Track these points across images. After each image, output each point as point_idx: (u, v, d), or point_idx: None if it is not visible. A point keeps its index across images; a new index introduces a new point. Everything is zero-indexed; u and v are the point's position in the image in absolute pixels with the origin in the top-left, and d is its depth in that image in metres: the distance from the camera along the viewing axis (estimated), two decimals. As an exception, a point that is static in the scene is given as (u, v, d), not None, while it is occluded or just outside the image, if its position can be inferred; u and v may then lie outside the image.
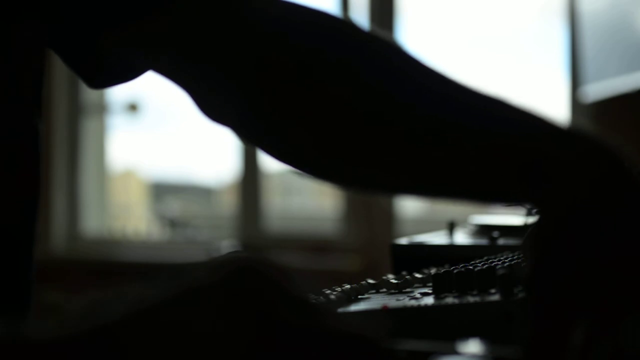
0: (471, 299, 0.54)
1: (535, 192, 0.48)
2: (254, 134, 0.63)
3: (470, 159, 0.52)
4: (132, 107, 2.91)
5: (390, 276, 0.66)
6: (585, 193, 0.47)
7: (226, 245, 2.59)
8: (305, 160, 0.60)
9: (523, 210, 0.59)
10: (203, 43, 0.60)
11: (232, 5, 0.61)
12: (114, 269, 2.68)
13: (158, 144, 3.20)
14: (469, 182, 0.53)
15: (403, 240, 0.82)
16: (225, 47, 0.60)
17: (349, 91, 0.57)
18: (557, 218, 0.47)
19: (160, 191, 3.32)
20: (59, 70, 2.74)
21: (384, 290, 0.64)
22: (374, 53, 0.58)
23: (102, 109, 2.94)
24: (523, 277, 0.47)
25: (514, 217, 0.87)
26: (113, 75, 0.65)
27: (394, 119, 0.55)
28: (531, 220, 0.48)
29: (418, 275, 0.65)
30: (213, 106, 0.62)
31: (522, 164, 0.49)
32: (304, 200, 3.18)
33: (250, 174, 2.69)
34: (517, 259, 0.60)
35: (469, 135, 0.52)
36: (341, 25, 0.60)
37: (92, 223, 2.92)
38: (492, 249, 0.75)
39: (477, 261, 0.62)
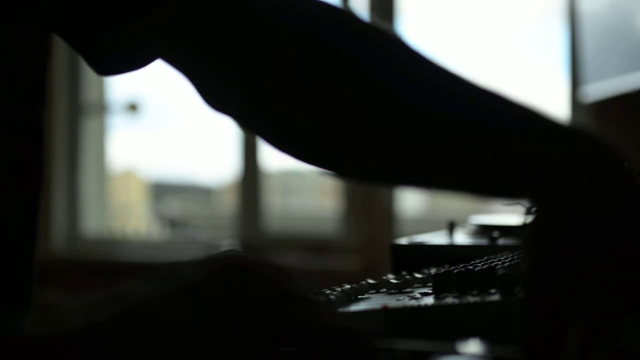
0: (471, 299, 0.54)
1: (535, 190, 0.48)
2: (255, 124, 0.63)
3: (471, 155, 0.52)
4: (132, 107, 2.91)
5: (390, 276, 0.66)
6: (585, 192, 0.47)
7: (226, 245, 2.59)
8: (306, 151, 0.60)
9: (523, 209, 0.59)
10: (206, 33, 0.60)
11: None
12: (114, 269, 2.68)
13: (158, 144, 3.20)
14: (469, 177, 0.53)
15: (403, 240, 0.82)
16: (227, 38, 0.60)
17: (350, 84, 0.57)
18: (557, 217, 0.46)
19: (160, 191, 3.32)
20: (59, 71, 2.74)
21: (384, 290, 0.64)
22: (375, 45, 0.58)
23: (102, 109, 2.94)
24: (522, 277, 0.47)
25: (514, 217, 0.87)
26: (120, 62, 0.65)
27: (394, 113, 0.55)
28: (530, 219, 0.48)
29: (418, 275, 0.65)
30: (215, 96, 0.62)
31: (522, 162, 0.49)
32: (304, 200, 3.18)
33: (250, 174, 2.69)
34: (517, 259, 0.60)
35: (470, 131, 0.52)
36: (342, 17, 0.60)
37: (92, 223, 2.92)
38: (492, 249, 0.75)
39: (477, 261, 0.62)
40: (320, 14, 0.60)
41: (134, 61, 0.64)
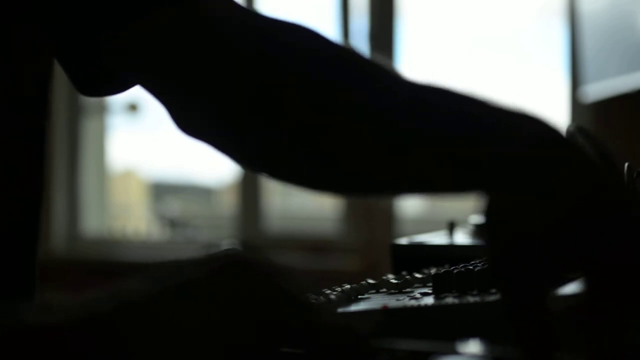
0: (471, 299, 0.54)
1: (486, 188, 0.48)
2: (232, 150, 0.62)
3: (434, 161, 0.51)
4: (132, 107, 2.91)
5: (390, 276, 0.66)
6: (534, 185, 0.46)
7: (226, 244, 2.58)
8: (301, 178, 0.59)
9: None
10: (180, 63, 0.59)
11: (206, 23, 0.59)
12: (114, 269, 2.68)
13: (158, 144, 3.20)
14: (430, 179, 0.52)
15: (403, 240, 0.82)
16: (202, 68, 0.58)
17: (334, 113, 0.55)
18: (506, 211, 0.46)
19: (160, 191, 3.32)
20: (59, 71, 2.74)
21: (384, 290, 0.64)
22: (354, 67, 0.56)
23: (102, 109, 2.95)
24: (487, 270, 0.47)
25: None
26: (105, 85, 0.65)
27: (377, 135, 0.53)
28: (482, 219, 0.47)
29: (418, 275, 0.65)
30: (191, 123, 0.62)
31: (474, 162, 0.48)
32: (304, 200, 3.18)
33: (250, 174, 2.69)
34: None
35: (433, 140, 0.51)
36: (341, 53, 0.58)
37: (92, 223, 2.92)
38: (492, 249, 0.75)
39: (477, 261, 0.62)
40: (315, 50, 0.58)
41: (118, 85, 0.65)
